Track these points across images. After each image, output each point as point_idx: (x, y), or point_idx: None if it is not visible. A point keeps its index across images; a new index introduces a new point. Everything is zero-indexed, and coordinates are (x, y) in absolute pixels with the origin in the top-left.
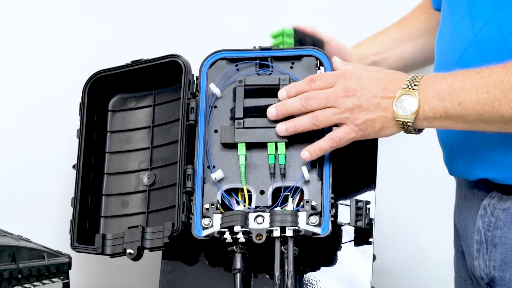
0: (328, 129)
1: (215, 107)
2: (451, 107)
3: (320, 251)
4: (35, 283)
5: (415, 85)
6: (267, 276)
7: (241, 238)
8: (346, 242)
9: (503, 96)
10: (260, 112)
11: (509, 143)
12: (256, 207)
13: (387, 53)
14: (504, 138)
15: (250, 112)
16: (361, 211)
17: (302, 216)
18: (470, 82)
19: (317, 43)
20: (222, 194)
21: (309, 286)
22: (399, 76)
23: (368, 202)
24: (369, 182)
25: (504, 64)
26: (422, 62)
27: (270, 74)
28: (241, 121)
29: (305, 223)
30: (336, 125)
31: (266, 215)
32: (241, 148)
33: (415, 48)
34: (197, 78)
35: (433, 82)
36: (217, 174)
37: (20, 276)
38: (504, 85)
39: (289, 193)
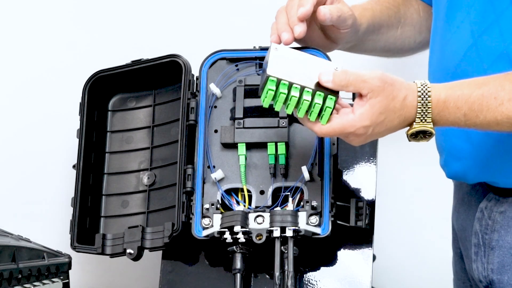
0: None
1: (215, 107)
2: (467, 127)
3: (320, 251)
4: (35, 283)
5: (428, 117)
6: (267, 276)
7: (241, 238)
8: (346, 242)
9: None
10: (260, 112)
11: (507, 148)
12: (256, 207)
13: (370, 35)
14: (501, 143)
15: (250, 112)
16: (361, 211)
17: (302, 216)
18: (488, 110)
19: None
20: (222, 194)
21: (309, 286)
22: (409, 110)
23: (368, 202)
24: (369, 182)
25: None
26: (396, 52)
27: None
28: (241, 121)
29: (305, 223)
30: None
31: (266, 215)
32: (241, 148)
33: (396, 36)
34: (197, 78)
35: (446, 113)
36: (217, 174)
37: (20, 276)
38: None
39: (289, 193)
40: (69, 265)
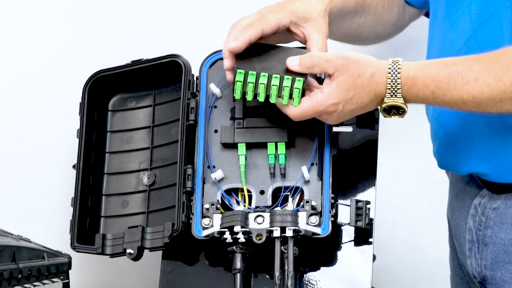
0: (328, 126)
1: (215, 107)
2: (436, 104)
3: (320, 251)
4: (35, 283)
5: (398, 93)
6: (267, 276)
7: (241, 238)
8: (346, 242)
9: (490, 101)
10: (260, 112)
11: (499, 137)
12: (256, 207)
13: (336, 20)
14: (495, 132)
15: (250, 112)
16: (361, 211)
17: (302, 216)
18: (455, 89)
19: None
20: (222, 194)
21: (309, 286)
22: (378, 86)
23: (368, 202)
24: (369, 182)
25: (487, 64)
26: (353, 39)
27: None
28: (241, 121)
29: (305, 223)
30: None
31: (266, 215)
32: (241, 148)
33: (358, 24)
34: (197, 78)
35: (415, 90)
36: (217, 174)
37: (20, 276)
38: (491, 90)
39: (289, 193)
40: (69, 265)
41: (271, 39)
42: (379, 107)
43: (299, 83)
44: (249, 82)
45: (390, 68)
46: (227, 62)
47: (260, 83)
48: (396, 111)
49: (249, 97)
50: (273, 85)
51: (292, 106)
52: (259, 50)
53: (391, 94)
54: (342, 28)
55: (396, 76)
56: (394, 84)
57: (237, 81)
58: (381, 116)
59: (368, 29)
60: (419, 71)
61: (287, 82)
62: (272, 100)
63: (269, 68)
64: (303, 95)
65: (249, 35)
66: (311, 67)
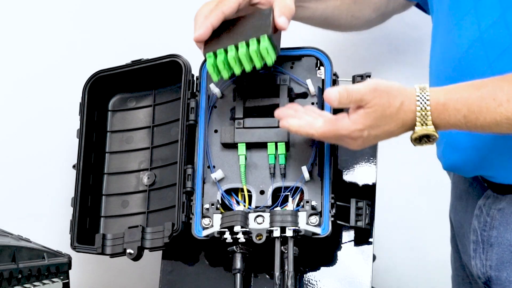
0: None
1: (215, 107)
2: (469, 129)
3: (320, 251)
4: (35, 283)
5: (428, 121)
6: (267, 276)
7: (241, 238)
8: (346, 242)
9: None
10: (260, 112)
11: (505, 142)
12: (256, 207)
13: (312, 3)
14: (501, 137)
15: (250, 112)
16: (361, 211)
17: (302, 216)
18: (488, 112)
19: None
20: (222, 194)
21: (309, 286)
22: (407, 114)
23: (368, 202)
24: (369, 182)
25: None
26: (330, 23)
27: (270, 74)
28: (241, 121)
29: (305, 223)
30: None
31: (266, 215)
32: (241, 148)
33: (335, 6)
34: (197, 78)
35: (446, 115)
36: (217, 174)
37: (20, 276)
38: None
39: (289, 193)
40: (69, 265)
41: (236, 15)
42: (410, 138)
43: (264, 42)
44: (219, 61)
45: (418, 96)
46: (202, 51)
47: (230, 57)
48: (427, 139)
49: (225, 75)
50: (241, 53)
51: (315, 126)
52: (222, 29)
53: (422, 122)
54: (318, 10)
55: (425, 103)
56: (424, 111)
57: (208, 65)
58: None
59: (345, 12)
60: (449, 96)
61: (253, 45)
62: (247, 68)
63: (234, 39)
64: (276, 51)
65: (210, 22)
66: (347, 104)
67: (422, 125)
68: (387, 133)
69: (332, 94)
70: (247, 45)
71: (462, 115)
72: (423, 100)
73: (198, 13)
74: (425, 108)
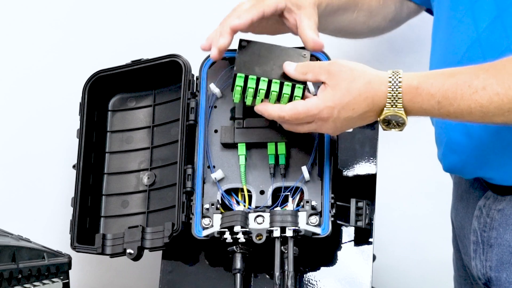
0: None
1: (215, 107)
2: (440, 116)
3: (320, 251)
4: (35, 283)
5: (398, 103)
6: (267, 276)
7: (241, 238)
8: (346, 242)
9: (498, 110)
10: None
11: (505, 143)
12: (256, 207)
13: (325, 17)
14: (500, 138)
15: (250, 112)
16: (361, 211)
17: (302, 216)
18: (462, 98)
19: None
20: (222, 194)
21: (309, 286)
22: (377, 94)
23: (368, 202)
24: (369, 182)
25: (494, 73)
26: (345, 34)
27: None
28: (241, 121)
29: (305, 223)
30: None
31: (266, 215)
32: (241, 148)
33: (350, 20)
34: (197, 78)
35: (419, 99)
36: (217, 174)
37: (20, 276)
38: (500, 98)
39: (289, 193)
40: (69, 265)
41: (263, 25)
42: (378, 120)
43: (299, 91)
44: (249, 88)
45: (390, 77)
46: (224, 40)
47: (260, 89)
48: (396, 123)
49: (248, 101)
50: (272, 91)
51: (284, 107)
52: (257, 51)
53: (392, 104)
54: (333, 23)
55: (397, 85)
56: (395, 93)
57: (236, 85)
58: None
59: (361, 24)
60: (423, 80)
61: (287, 89)
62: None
63: (268, 72)
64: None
65: (252, 15)
66: (305, 73)
67: (391, 106)
68: (358, 113)
69: (289, 64)
70: (281, 86)
71: (436, 100)
72: (395, 82)
73: (237, 7)
74: (396, 90)
